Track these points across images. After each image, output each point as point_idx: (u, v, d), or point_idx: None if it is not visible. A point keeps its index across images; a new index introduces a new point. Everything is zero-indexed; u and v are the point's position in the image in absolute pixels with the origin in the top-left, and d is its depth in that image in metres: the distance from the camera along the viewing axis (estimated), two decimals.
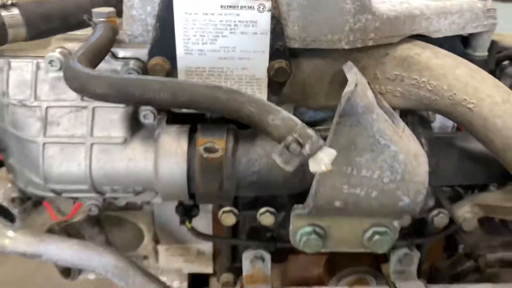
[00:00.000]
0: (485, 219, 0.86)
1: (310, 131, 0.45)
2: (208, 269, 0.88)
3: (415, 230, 0.81)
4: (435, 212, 0.75)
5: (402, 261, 0.79)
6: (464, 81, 0.60)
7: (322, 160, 0.44)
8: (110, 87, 0.46)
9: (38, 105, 0.63)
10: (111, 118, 0.63)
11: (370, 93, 0.55)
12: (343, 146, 0.56)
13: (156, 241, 0.85)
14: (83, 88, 0.47)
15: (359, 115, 0.54)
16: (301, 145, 0.44)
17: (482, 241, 0.92)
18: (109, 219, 0.81)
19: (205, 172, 0.60)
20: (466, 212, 0.74)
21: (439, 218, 0.75)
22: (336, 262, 0.91)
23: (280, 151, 0.45)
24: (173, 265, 0.86)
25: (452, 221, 0.76)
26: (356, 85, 0.53)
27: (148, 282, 0.70)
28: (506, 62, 0.78)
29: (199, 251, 0.87)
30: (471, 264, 0.94)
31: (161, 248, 0.85)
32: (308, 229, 0.67)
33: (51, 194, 0.67)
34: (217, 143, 0.61)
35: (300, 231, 0.67)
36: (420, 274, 0.83)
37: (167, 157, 0.62)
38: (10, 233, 0.65)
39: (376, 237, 0.67)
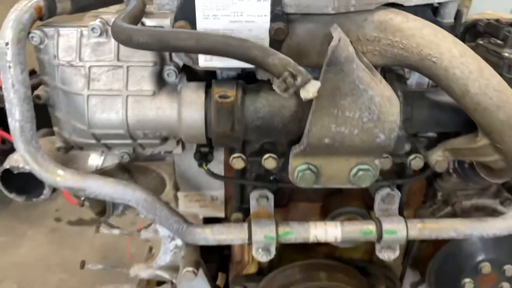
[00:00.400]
0: (461, 169, 1.00)
1: (301, 68, 0.59)
2: (221, 214, 1.03)
3: (396, 173, 0.95)
4: (412, 156, 0.89)
5: (385, 200, 0.93)
6: (429, 39, 0.74)
7: (310, 90, 0.58)
8: (151, 37, 0.61)
9: (82, 65, 0.78)
10: (142, 75, 0.78)
11: (351, 48, 0.69)
12: (330, 90, 0.70)
13: (177, 188, 0.99)
14: (129, 39, 0.61)
15: (342, 64, 0.68)
16: (294, 78, 0.58)
17: (459, 189, 1.06)
18: (137, 168, 0.96)
19: (220, 115, 0.74)
20: (438, 156, 0.88)
21: (416, 161, 0.89)
22: (330, 209, 1.05)
23: (279, 83, 0.59)
24: (190, 210, 1.01)
25: (427, 165, 0.90)
26: (339, 40, 0.67)
27: (172, 215, 0.85)
28: None
29: (213, 197, 1.01)
30: (448, 210, 1.07)
31: (180, 194, 1.00)
32: (304, 166, 0.81)
33: (92, 141, 0.82)
34: (229, 92, 0.75)
35: (297, 168, 0.81)
36: (402, 215, 0.97)
37: (188, 105, 0.77)
38: (60, 171, 0.79)
39: (360, 173, 0.82)
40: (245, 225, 0.89)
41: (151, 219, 0.85)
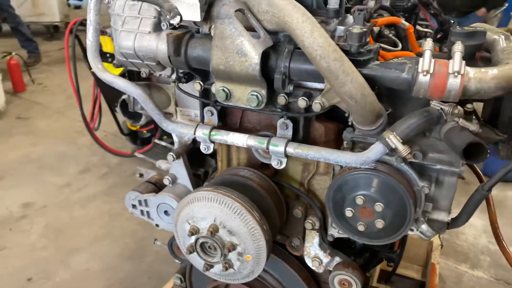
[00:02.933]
0: None
1: (176, 9, 1.13)
2: None
3: (289, 109, 1.35)
4: (300, 98, 1.30)
5: (281, 126, 1.35)
6: (288, 12, 1.16)
7: (176, 21, 1.12)
8: None
9: (122, 15, 1.43)
10: (147, 22, 1.39)
11: (232, 10, 1.19)
12: (219, 34, 1.21)
13: (176, 104, 1.58)
14: None
15: (224, 18, 1.19)
16: (171, 12, 1.12)
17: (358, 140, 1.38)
18: (155, 87, 1.58)
19: (169, 43, 1.30)
20: (316, 101, 1.27)
21: (301, 101, 1.29)
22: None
23: (167, 18, 1.14)
24: (183, 122, 1.59)
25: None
26: (224, 4, 1.18)
27: (156, 109, 1.44)
28: None
29: (195, 114, 1.57)
30: None
31: (178, 109, 1.59)
32: (221, 87, 1.32)
33: (123, 58, 1.47)
34: (179, 34, 1.32)
35: (217, 88, 1.32)
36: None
37: (161, 40, 1.35)
38: (103, 67, 1.46)
39: (250, 96, 1.28)
40: (195, 126, 1.43)
41: (144, 108, 1.45)
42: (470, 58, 1.31)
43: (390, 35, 1.64)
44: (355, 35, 1.15)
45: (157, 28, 1.39)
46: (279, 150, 1.31)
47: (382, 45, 1.46)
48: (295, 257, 1.59)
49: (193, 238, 1.31)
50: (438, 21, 1.69)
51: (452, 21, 1.71)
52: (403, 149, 1.18)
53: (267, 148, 1.32)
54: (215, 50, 1.24)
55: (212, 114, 1.44)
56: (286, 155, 1.32)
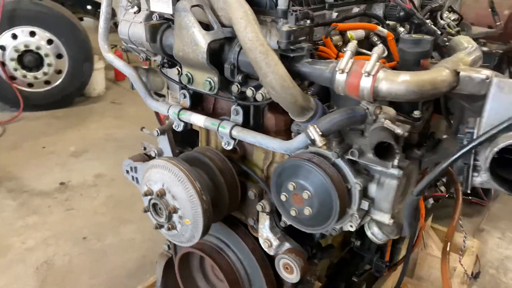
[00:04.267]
0: None
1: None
2: None
3: (241, 97, 1.49)
4: (249, 89, 1.44)
5: (233, 112, 1.51)
6: (232, 9, 1.32)
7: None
8: None
9: (126, 9, 1.70)
10: (142, 15, 1.64)
11: (188, 5, 1.38)
12: (178, 25, 1.41)
13: (167, 87, 1.81)
14: None
15: (181, 11, 1.39)
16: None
17: None
18: (152, 70, 1.83)
19: (147, 31, 1.53)
20: (260, 91, 1.41)
21: (248, 91, 1.43)
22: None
23: (128, 7, 1.37)
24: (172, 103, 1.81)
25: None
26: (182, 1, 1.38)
27: (144, 88, 1.68)
28: None
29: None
30: None
31: (169, 91, 1.82)
32: (185, 72, 1.52)
33: (125, 44, 1.74)
34: (157, 25, 1.54)
35: (183, 73, 1.53)
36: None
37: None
38: (108, 50, 1.74)
39: (205, 81, 1.47)
40: (169, 105, 1.64)
41: (134, 86, 1.70)
42: (415, 64, 1.36)
43: (378, 42, 1.70)
44: (284, 33, 1.28)
45: (148, 19, 1.64)
46: (225, 132, 1.47)
47: (363, 50, 1.54)
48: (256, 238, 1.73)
49: (147, 198, 1.53)
50: (422, 32, 1.70)
51: (440, 33, 1.71)
52: (319, 141, 1.27)
53: (218, 130, 1.49)
54: (176, 38, 1.44)
55: (185, 96, 1.65)
56: (232, 137, 1.47)
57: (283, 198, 1.44)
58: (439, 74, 1.18)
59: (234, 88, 1.46)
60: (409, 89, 1.15)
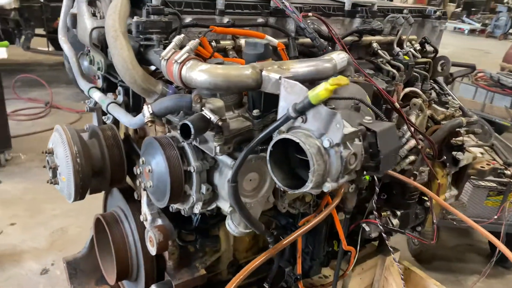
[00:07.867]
0: None
1: None
2: None
3: None
4: None
5: (117, 93, 1.72)
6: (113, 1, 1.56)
7: None
8: None
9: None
10: None
11: None
12: (80, 13, 1.69)
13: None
14: None
15: (80, 2, 1.66)
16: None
17: None
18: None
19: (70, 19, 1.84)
20: None
21: None
22: None
23: None
24: None
25: None
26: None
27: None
28: None
29: None
30: None
31: None
32: (90, 56, 1.79)
33: None
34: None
35: (96, 60, 1.80)
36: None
37: None
38: None
39: (96, 62, 1.71)
40: (90, 85, 1.92)
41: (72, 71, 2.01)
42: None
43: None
44: (134, 23, 1.49)
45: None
46: (104, 107, 1.70)
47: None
48: None
49: (47, 156, 1.81)
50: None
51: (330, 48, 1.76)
52: (146, 118, 1.43)
53: (105, 108, 1.73)
54: (79, 24, 1.72)
55: (99, 77, 1.91)
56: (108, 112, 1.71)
57: (138, 171, 1.62)
58: (241, 71, 1.29)
59: None
60: (207, 78, 1.28)
